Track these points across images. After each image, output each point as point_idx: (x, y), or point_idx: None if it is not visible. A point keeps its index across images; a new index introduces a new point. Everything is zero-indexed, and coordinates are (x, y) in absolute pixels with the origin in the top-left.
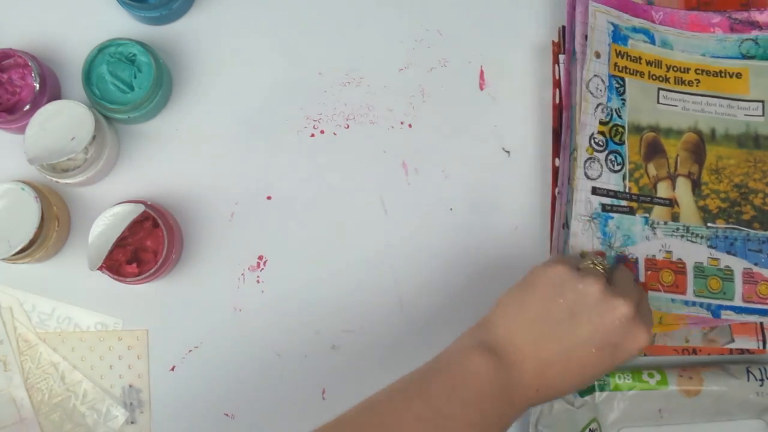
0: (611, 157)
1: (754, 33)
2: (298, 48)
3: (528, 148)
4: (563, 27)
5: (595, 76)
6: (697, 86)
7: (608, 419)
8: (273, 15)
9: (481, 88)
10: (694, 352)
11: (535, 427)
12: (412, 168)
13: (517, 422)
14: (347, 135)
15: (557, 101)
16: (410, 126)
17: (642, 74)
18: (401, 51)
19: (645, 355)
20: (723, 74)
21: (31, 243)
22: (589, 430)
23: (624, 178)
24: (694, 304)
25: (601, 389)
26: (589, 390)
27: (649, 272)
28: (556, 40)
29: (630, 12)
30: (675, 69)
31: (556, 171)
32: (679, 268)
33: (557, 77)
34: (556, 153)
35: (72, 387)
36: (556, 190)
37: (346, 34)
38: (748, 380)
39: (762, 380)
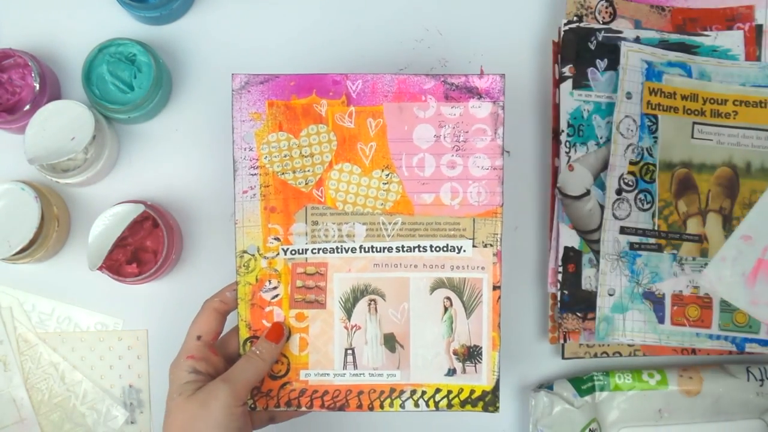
0: (641, 196)
1: None
2: (297, 48)
3: (528, 148)
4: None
5: (627, 116)
6: (734, 118)
7: (608, 419)
8: (273, 15)
9: None
10: (693, 352)
11: (535, 427)
12: None
13: (517, 422)
14: None
15: (557, 101)
16: None
17: (676, 109)
18: (401, 51)
19: (644, 354)
20: (763, 104)
21: (31, 243)
22: (589, 430)
23: (653, 216)
24: (719, 337)
25: (601, 389)
26: (589, 390)
27: (675, 308)
28: (556, 40)
29: None
30: (712, 101)
31: (555, 171)
32: (705, 302)
33: (557, 77)
34: (555, 153)
35: (72, 387)
36: (556, 191)
37: (346, 34)
38: (748, 380)
39: (762, 380)
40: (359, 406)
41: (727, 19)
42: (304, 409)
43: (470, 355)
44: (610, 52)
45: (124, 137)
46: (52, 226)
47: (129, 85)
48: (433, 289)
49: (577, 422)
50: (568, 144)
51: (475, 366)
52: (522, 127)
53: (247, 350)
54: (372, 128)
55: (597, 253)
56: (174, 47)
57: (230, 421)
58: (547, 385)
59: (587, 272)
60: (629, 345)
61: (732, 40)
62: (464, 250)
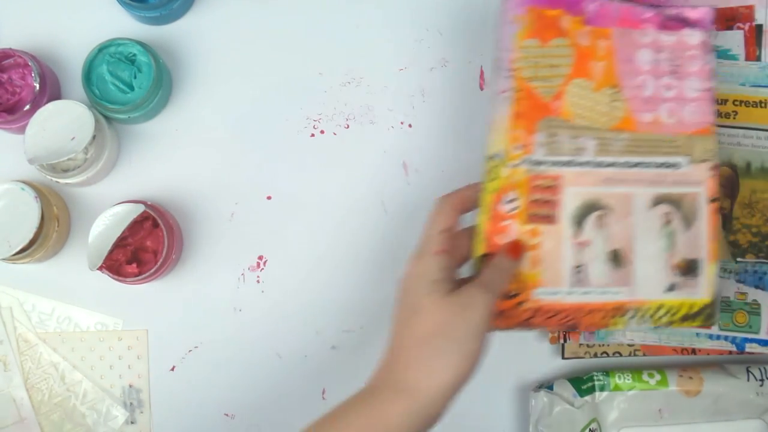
0: None
1: None
2: (298, 48)
3: None
4: None
5: None
6: (734, 118)
7: (608, 419)
8: (273, 15)
9: (481, 88)
10: (694, 351)
11: (535, 427)
12: (412, 168)
13: (517, 422)
14: (347, 135)
15: None
16: (410, 126)
17: None
18: (401, 51)
19: (645, 354)
20: (763, 104)
21: (31, 243)
22: (589, 430)
23: None
24: (719, 337)
25: (601, 389)
26: (589, 390)
27: None
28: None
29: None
30: None
31: None
32: None
33: None
34: None
35: (72, 387)
36: None
37: (346, 34)
38: (748, 380)
39: (762, 380)
40: (589, 326)
41: (727, 19)
42: (537, 329)
43: (689, 268)
44: None
45: (124, 137)
46: (52, 226)
47: (129, 85)
48: (654, 205)
49: (577, 422)
50: None
51: (694, 279)
52: None
53: (480, 267)
54: (601, 48)
55: None
56: (174, 47)
57: (486, 329)
58: (547, 385)
59: None
60: (629, 345)
61: (732, 40)
62: (682, 166)
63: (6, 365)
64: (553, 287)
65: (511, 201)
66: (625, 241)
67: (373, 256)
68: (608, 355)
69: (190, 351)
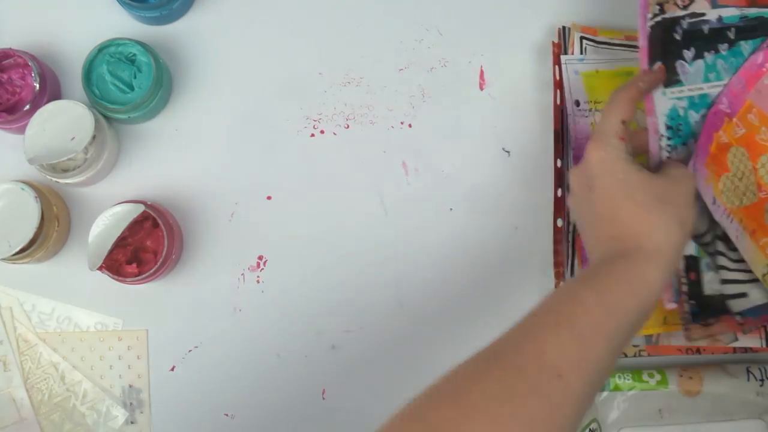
0: None
1: None
2: (298, 48)
3: (528, 148)
4: (563, 27)
5: None
6: None
7: (608, 419)
8: (273, 15)
9: (481, 88)
10: (698, 351)
11: None
12: (412, 168)
13: None
14: (347, 135)
15: (558, 102)
16: (410, 126)
17: None
18: (401, 51)
19: (648, 354)
20: None
21: (31, 243)
22: (589, 430)
23: None
24: None
25: (601, 389)
26: None
27: None
28: (557, 41)
29: None
30: None
31: (558, 172)
32: None
33: (558, 78)
34: (558, 154)
35: (72, 387)
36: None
37: (346, 34)
38: (748, 380)
39: (762, 380)
40: None
41: None
42: None
43: None
44: (696, 39)
45: (124, 137)
46: (52, 226)
47: (129, 85)
48: None
49: None
50: (669, 147)
51: None
52: (522, 127)
53: None
54: (755, 120)
55: (711, 255)
56: (174, 47)
57: (693, 204)
58: None
59: (707, 277)
60: (634, 345)
61: None
62: None
63: (6, 365)
64: None
65: None
66: None
67: (373, 256)
68: None
69: (190, 351)
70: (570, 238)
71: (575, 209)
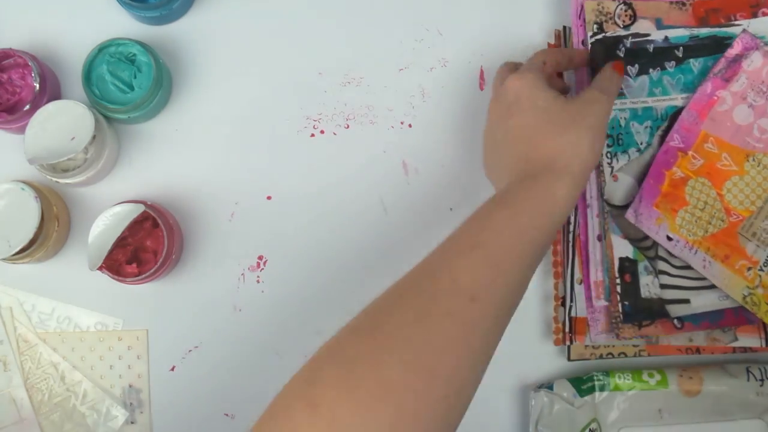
0: None
1: None
2: (298, 48)
3: None
4: (564, 27)
5: None
6: None
7: (608, 419)
8: (273, 15)
9: (481, 88)
10: (698, 351)
11: (535, 427)
12: (412, 168)
13: (517, 422)
14: (347, 135)
15: None
16: (410, 126)
17: None
18: (401, 51)
19: (648, 354)
20: None
21: (31, 243)
22: (589, 430)
23: None
24: None
25: (601, 389)
26: (589, 390)
27: None
28: (552, 43)
29: None
30: None
31: None
32: None
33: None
34: None
35: (72, 387)
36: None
37: (346, 34)
38: (748, 380)
39: (762, 380)
40: None
41: (752, 6)
42: None
43: None
44: (640, 57)
45: (124, 137)
46: (52, 226)
47: (129, 85)
48: None
49: (577, 422)
50: (609, 154)
51: None
52: None
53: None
54: (713, 147)
55: (651, 259)
56: (174, 47)
57: (605, 127)
58: (547, 385)
59: (645, 280)
60: (634, 346)
61: (765, 26)
62: None
63: (6, 365)
64: None
65: None
66: None
67: (372, 256)
68: (613, 356)
69: (190, 351)
70: (570, 238)
71: (489, 139)
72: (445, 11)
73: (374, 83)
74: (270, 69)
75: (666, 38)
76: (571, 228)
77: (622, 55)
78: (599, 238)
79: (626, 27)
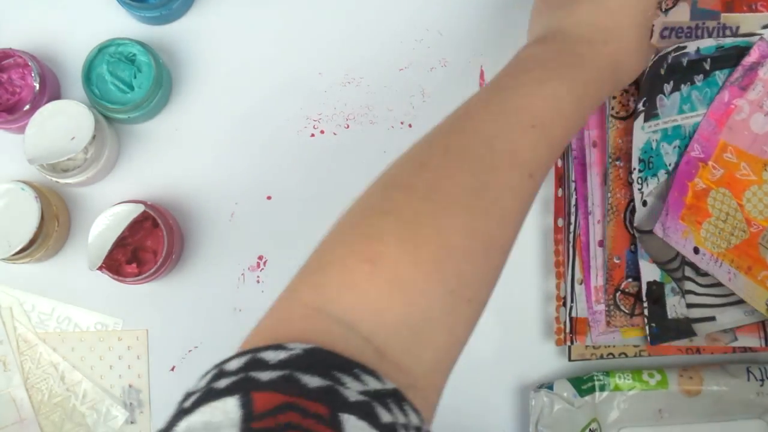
0: None
1: None
2: (298, 48)
3: None
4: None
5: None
6: None
7: (608, 419)
8: (273, 15)
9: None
10: (698, 351)
11: (535, 427)
12: None
13: (517, 422)
14: (347, 135)
15: None
16: (410, 126)
17: None
18: (401, 51)
19: (648, 355)
20: None
21: (31, 243)
22: (589, 430)
23: None
24: None
25: (602, 389)
26: (589, 390)
27: None
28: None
29: None
30: None
31: (558, 172)
32: None
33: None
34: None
35: (72, 387)
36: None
37: (346, 34)
38: (748, 380)
39: (762, 380)
40: None
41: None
42: None
43: None
44: (675, 72)
45: (124, 137)
46: (52, 226)
47: (129, 85)
48: None
49: (577, 422)
50: (640, 180)
51: None
52: None
53: None
54: (732, 157)
55: (678, 280)
56: (174, 47)
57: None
58: (547, 385)
59: (671, 301)
60: (635, 346)
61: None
62: None
63: (6, 365)
64: None
65: None
66: None
67: None
68: (614, 356)
69: (190, 351)
70: (570, 238)
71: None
72: (445, 11)
73: (374, 83)
74: (270, 69)
75: (698, 50)
76: (572, 228)
77: (663, 72)
78: (600, 244)
79: (666, 11)
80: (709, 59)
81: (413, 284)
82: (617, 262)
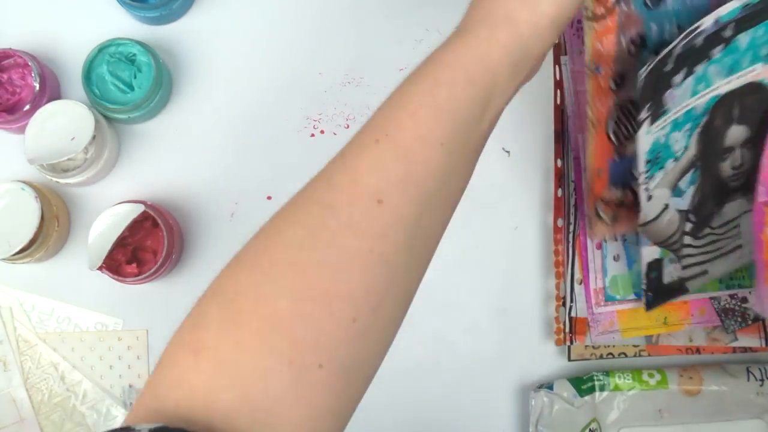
0: None
1: None
2: (298, 48)
3: (528, 148)
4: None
5: None
6: None
7: (608, 419)
8: (273, 15)
9: None
10: (698, 351)
11: (535, 427)
12: None
13: (517, 422)
14: (347, 135)
15: (558, 102)
16: None
17: None
18: (401, 51)
19: (648, 354)
20: None
21: (31, 243)
22: (589, 430)
23: None
24: None
25: (601, 389)
26: (589, 390)
27: None
28: (556, 41)
29: None
30: None
31: (558, 172)
32: None
33: (558, 78)
34: (558, 154)
35: (72, 387)
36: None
37: (346, 34)
38: (748, 380)
39: (762, 380)
40: None
41: None
42: None
43: None
44: (687, 58)
45: (124, 137)
46: (52, 226)
47: (129, 85)
48: None
49: (577, 422)
50: (646, 179)
51: None
52: (522, 127)
53: None
54: None
55: (676, 251)
56: (174, 47)
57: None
58: (547, 385)
59: (668, 269)
60: (634, 346)
61: None
62: None
63: (6, 365)
64: None
65: None
66: None
67: None
68: (614, 356)
69: None
70: (570, 238)
71: None
72: (445, 11)
73: (374, 83)
74: (270, 69)
75: (717, 20)
76: (572, 228)
77: (669, 69)
78: (598, 247)
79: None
80: (732, 24)
81: (238, 366)
82: (601, 177)
